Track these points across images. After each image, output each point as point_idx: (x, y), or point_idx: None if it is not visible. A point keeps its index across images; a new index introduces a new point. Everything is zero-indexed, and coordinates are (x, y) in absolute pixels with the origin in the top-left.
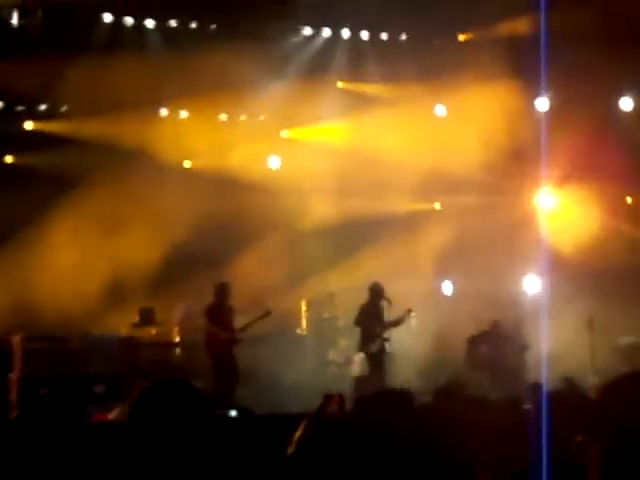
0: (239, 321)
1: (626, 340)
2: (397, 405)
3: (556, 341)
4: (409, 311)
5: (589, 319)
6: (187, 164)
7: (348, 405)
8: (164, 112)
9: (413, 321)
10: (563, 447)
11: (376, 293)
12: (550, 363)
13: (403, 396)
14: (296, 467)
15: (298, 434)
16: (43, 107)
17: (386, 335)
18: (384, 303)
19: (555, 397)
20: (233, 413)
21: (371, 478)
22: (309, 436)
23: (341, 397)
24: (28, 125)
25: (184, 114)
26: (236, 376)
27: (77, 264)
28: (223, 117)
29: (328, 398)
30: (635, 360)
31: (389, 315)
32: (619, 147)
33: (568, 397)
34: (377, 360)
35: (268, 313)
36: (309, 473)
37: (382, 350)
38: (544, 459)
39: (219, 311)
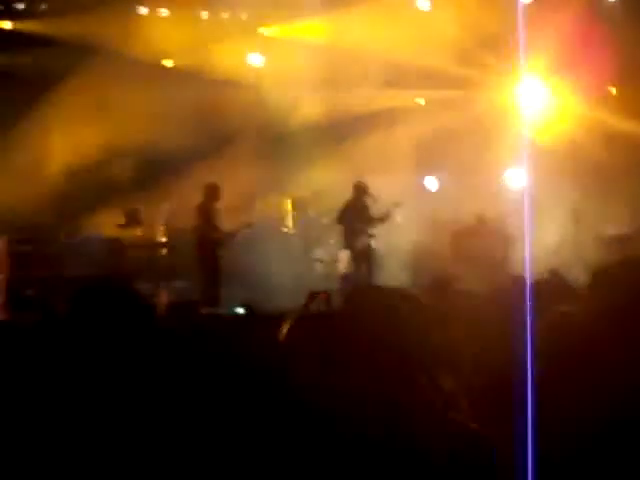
0: (225, 224)
1: (610, 231)
2: (385, 299)
3: (541, 234)
4: (394, 205)
5: (574, 210)
6: (168, 63)
7: (336, 301)
8: (144, 10)
9: (398, 217)
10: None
11: (360, 190)
12: (535, 256)
13: (391, 291)
14: (285, 358)
15: (284, 330)
16: (21, 6)
17: (371, 232)
18: (369, 200)
19: (540, 287)
20: (240, 310)
21: (359, 369)
22: (295, 331)
23: (327, 294)
24: (6, 24)
25: (164, 12)
26: (219, 277)
27: (58, 166)
28: (204, 15)
29: (313, 295)
30: (619, 251)
31: (374, 212)
32: (604, 37)
33: (553, 287)
34: (363, 257)
35: (249, 225)
36: (297, 364)
37: (367, 247)
38: (528, 350)
39: (208, 212)
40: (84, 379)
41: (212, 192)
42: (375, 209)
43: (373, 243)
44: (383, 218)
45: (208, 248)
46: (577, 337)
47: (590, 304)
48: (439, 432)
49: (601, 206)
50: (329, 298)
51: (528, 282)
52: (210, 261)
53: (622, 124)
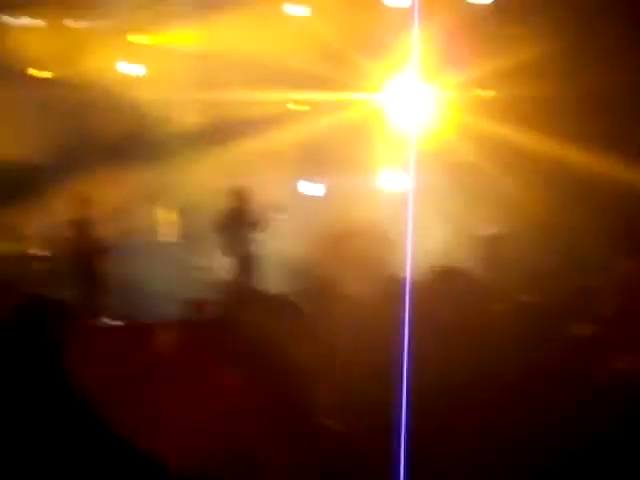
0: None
1: (481, 232)
2: (264, 308)
3: (420, 235)
4: (274, 210)
5: (451, 212)
6: (32, 72)
7: (214, 310)
8: (6, 18)
9: (279, 223)
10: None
11: (239, 196)
12: (413, 257)
13: (270, 300)
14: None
15: (160, 339)
16: None
17: (253, 238)
18: (247, 206)
19: (417, 286)
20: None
21: (233, 379)
22: (170, 340)
23: (202, 302)
24: None
25: (26, 21)
26: (101, 286)
27: None
28: (69, 23)
29: (195, 305)
30: (494, 250)
31: (254, 218)
32: (478, 40)
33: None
34: (244, 264)
35: (129, 234)
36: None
37: (249, 253)
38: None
39: (82, 223)
40: None
41: (83, 202)
42: (255, 215)
43: (254, 249)
44: (263, 224)
45: (85, 258)
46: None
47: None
48: (310, 446)
49: (473, 207)
50: (205, 307)
51: (408, 282)
52: (87, 271)
53: (493, 126)
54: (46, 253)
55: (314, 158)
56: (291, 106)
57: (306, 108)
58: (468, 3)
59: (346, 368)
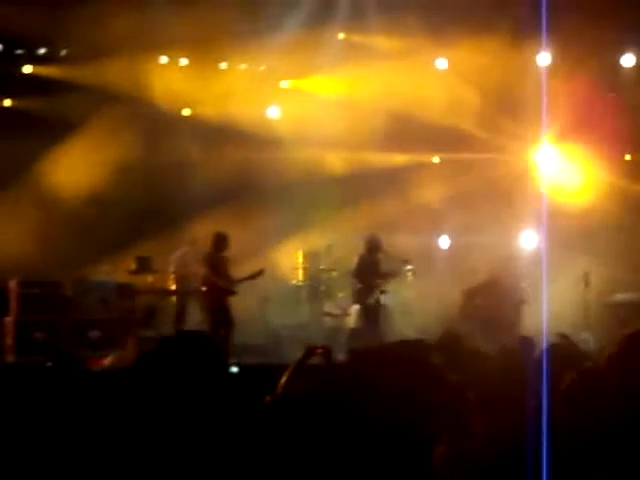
0: (234, 273)
1: (620, 297)
2: (393, 359)
3: (551, 297)
4: (405, 262)
5: (584, 274)
6: (186, 112)
7: (340, 356)
8: (164, 59)
9: (410, 274)
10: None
11: (373, 245)
12: (547, 319)
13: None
14: (277, 415)
15: (282, 382)
16: (42, 51)
17: (383, 288)
18: (381, 256)
19: (552, 352)
20: (234, 369)
21: (362, 428)
22: (291, 385)
23: (326, 349)
24: (27, 69)
25: (184, 61)
26: (231, 326)
27: (74, 209)
28: (223, 66)
29: (310, 350)
30: (628, 318)
31: (385, 268)
32: (618, 104)
33: (564, 352)
34: (373, 312)
35: (262, 272)
36: (291, 422)
37: (378, 303)
38: (544, 414)
39: (217, 261)
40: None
41: (220, 241)
42: (387, 265)
43: (384, 299)
44: (394, 274)
45: (217, 297)
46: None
47: (615, 364)
48: None
49: (611, 271)
50: (328, 353)
51: (545, 346)
52: (218, 310)
53: (636, 191)
54: (179, 288)
55: (450, 214)
56: (430, 161)
57: (445, 164)
58: (612, 67)
59: (483, 429)
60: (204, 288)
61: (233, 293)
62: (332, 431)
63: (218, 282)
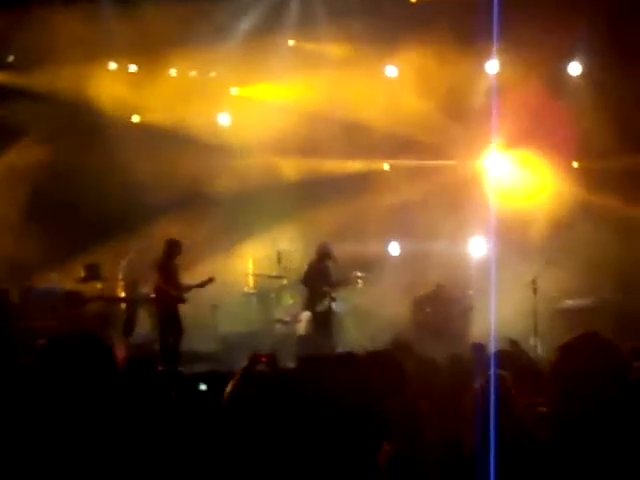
0: (184, 280)
1: (568, 303)
2: (341, 365)
3: (500, 304)
4: (355, 270)
5: (532, 281)
6: (135, 119)
7: (290, 363)
8: (113, 65)
9: (360, 281)
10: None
11: (323, 253)
12: (495, 325)
13: (346, 358)
14: (229, 420)
15: (228, 390)
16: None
17: (333, 295)
18: (331, 263)
19: (500, 357)
20: (203, 387)
21: (310, 433)
22: (238, 393)
23: (271, 356)
24: None
25: (133, 68)
26: (180, 333)
27: (21, 217)
28: (173, 72)
29: (255, 357)
30: (578, 324)
31: (335, 275)
32: (566, 112)
33: (513, 358)
34: (324, 319)
35: (211, 280)
36: (242, 426)
37: (329, 309)
38: (491, 420)
39: (168, 267)
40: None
41: (172, 248)
42: (337, 272)
43: (334, 306)
44: (344, 283)
45: (166, 305)
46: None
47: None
48: None
49: (560, 277)
50: (273, 360)
51: (493, 351)
52: (168, 317)
53: (584, 197)
54: (131, 296)
55: (399, 221)
56: (380, 168)
57: (395, 171)
58: (559, 74)
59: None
60: (153, 295)
61: (183, 301)
62: (280, 433)
63: (168, 290)
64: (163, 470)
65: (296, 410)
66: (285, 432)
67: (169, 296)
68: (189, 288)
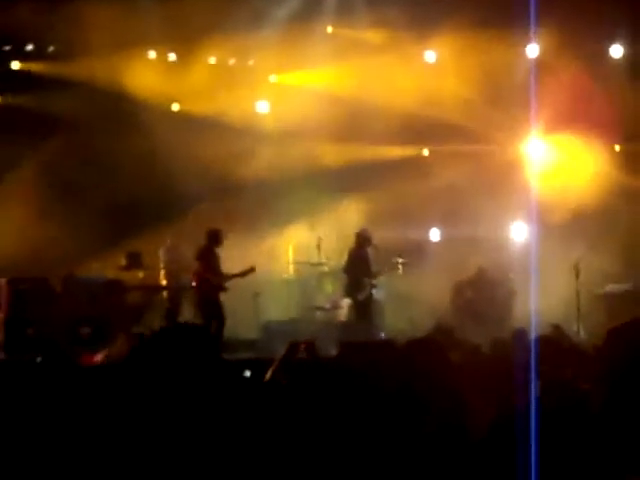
0: (226, 267)
1: (610, 288)
2: (382, 352)
3: (542, 288)
4: (396, 256)
5: (575, 265)
6: (175, 107)
7: (332, 350)
8: (152, 54)
9: (400, 267)
10: (552, 391)
11: (364, 239)
12: (537, 310)
13: (387, 344)
14: (265, 407)
15: (267, 377)
16: (30, 47)
17: (374, 282)
18: (371, 250)
19: (543, 342)
20: (247, 374)
21: (355, 417)
22: (275, 380)
23: (310, 344)
24: (15, 65)
25: (172, 57)
26: (222, 320)
27: (62, 206)
28: (212, 61)
29: (293, 345)
30: (619, 308)
31: (376, 261)
32: (607, 95)
33: (556, 343)
34: (364, 307)
35: (252, 269)
36: (277, 414)
37: (369, 297)
38: (532, 404)
39: (209, 256)
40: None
41: (214, 237)
42: (378, 258)
43: (375, 293)
44: (383, 272)
45: (208, 293)
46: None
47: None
48: None
49: (602, 262)
50: (312, 347)
51: (533, 337)
52: (209, 304)
53: (626, 181)
54: (170, 283)
55: (440, 207)
56: (420, 154)
57: (435, 157)
58: (601, 58)
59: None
60: (194, 283)
61: (224, 289)
62: (316, 421)
63: (210, 278)
64: (209, 454)
65: (335, 398)
66: (322, 420)
67: (210, 284)
68: (230, 277)
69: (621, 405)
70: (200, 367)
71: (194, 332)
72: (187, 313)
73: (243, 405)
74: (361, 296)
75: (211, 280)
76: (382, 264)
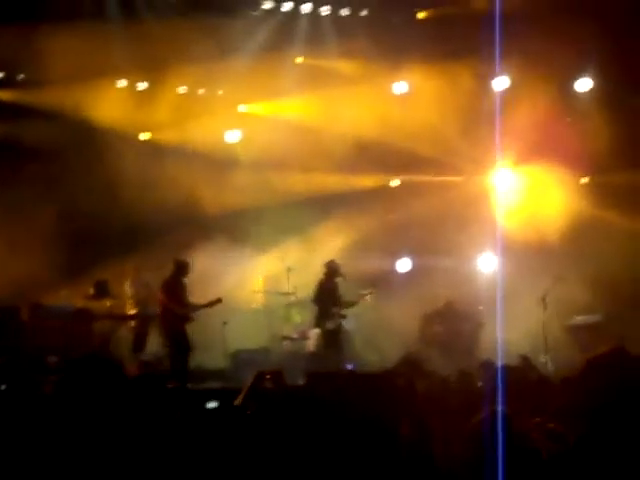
0: (192, 299)
1: (578, 320)
2: (349, 382)
3: (510, 319)
4: (369, 292)
5: (543, 296)
6: (144, 136)
7: (300, 380)
8: (122, 83)
9: (369, 298)
10: (519, 426)
11: (332, 270)
12: (504, 341)
13: (354, 375)
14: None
15: (235, 405)
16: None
17: (342, 312)
18: (339, 280)
19: (510, 374)
20: (212, 405)
21: (321, 446)
22: (242, 409)
23: (277, 373)
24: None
25: (143, 85)
26: (188, 350)
27: (30, 236)
28: (182, 90)
29: (260, 375)
30: (588, 340)
31: (345, 291)
32: (574, 128)
33: (524, 374)
34: (333, 337)
35: (219, 300)
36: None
37: (338, 327)
38: (499, 438)
39: (175, 287)
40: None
41: (181, 267)
42: (346, 289)
43: (344, 324)
44: (355, 302)
45: (174, 323)
46: None
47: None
48: None
49: (569, 294)
50: (279, 377)
51: (500, 368)
52: (175, 334)
53: (593, 213)
54: (138, 313)
55: (407, 237)
56: (392, 184)
57: (402, 187)
58: (567, 91)
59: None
60: (159, 313)
61: (189, 319)
62: (283, 449)
63: (174, 308)
64: None
65: (301, 427)
66: (289, 447)
67: (175, 315)
68: (197, 308)
69: (602, 438)
70: (105, 396)
71: (97, 362)
72: (155, 342)
73: (206, 434)
74: (330, 326)
75: (174, 310)
76: (350, 295)
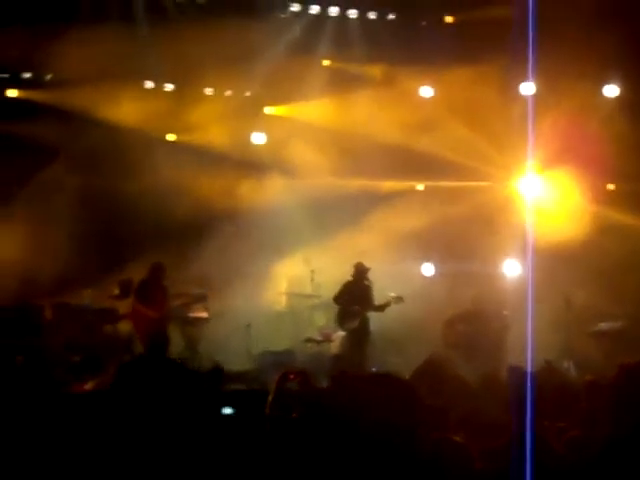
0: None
1: (602, 326)
2: (372, 385)
3: (535, 324)
4: (397, 300)
5: (567, 303)
6: (170, 137)
7: (323, 382)
8: (149, 84)
9: (394, 301)
10: (544, 431)
11: (360, 272)
12: (531, 346)
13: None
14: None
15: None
16: (27, 75)
17: (367, 314)
18: (368, 282)
19: (534, 378)
20: (227, 411)
21: (343, 449)
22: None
23: (301, 374)
24: (11, 93)
25: (169, 87)
26: (165, 351)
27: (55, 235)
28: (208, 91)
29: (285, 375)
30: (610, 346)
31: (372, 297)
32: (601, 134)
33: (547, 379)
34: (356, 338)
35: (204, 297)
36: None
37: (364, 328)
38: (527, 443)
39: (148, 290)
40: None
41: (155, 271)
42: (372, 292)
43: (368, 325)
44: (382, 307)
45: (147, 326)
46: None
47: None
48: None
49: (594, 300)
50: (304, 378)
51: (528, 374)
52: (155, 337)
53: (619, 219)
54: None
55: (433, 241)
56: (418, 188)
57: (430, 192)
58: (595, 96)
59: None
60: (132, 316)
61: (164, 322)
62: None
63: (146, 312)
64: None
65: (326, 427)
66: (314, 449)
67: (147, 317)
68: (176, 308)
69: (632, 445)
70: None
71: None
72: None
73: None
74: (350, 327)
75: (147, 314)
76: (379, 304)
